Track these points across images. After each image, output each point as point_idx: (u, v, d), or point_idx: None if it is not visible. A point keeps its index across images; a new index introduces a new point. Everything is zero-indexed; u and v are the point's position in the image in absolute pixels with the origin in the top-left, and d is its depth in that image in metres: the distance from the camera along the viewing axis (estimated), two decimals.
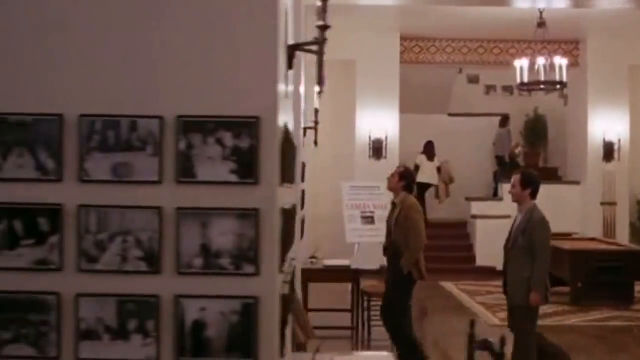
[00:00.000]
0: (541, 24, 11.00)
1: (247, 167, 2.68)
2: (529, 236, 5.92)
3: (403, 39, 13.63)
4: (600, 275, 10.33)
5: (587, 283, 10.44)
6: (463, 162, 15.53)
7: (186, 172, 2.68)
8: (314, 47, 3.32)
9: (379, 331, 8.00)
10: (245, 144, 2.68)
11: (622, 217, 13.84)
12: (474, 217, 14.29)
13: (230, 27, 2.68)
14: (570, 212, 13.83)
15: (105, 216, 2.68)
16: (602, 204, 13.67)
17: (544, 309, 10.15)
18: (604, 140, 13.65)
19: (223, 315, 2.68)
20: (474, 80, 16.84)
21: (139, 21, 2.68)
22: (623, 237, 13.57)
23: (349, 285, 9.08)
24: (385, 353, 4.10)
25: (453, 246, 14.44)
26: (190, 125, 2.67)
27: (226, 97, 2.68)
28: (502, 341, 3.30)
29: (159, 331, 2.68)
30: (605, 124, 13.59)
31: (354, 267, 8.48)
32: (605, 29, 12.98)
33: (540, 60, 10.75)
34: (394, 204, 7.14)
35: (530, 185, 6.03)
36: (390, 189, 7.14)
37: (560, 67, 10.71)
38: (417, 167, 14.82)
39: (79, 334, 2.68)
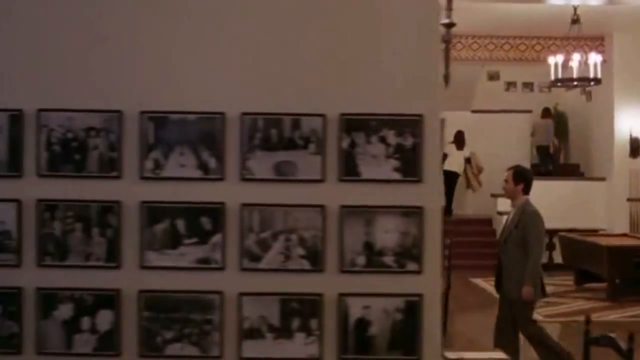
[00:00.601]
0: (575, 20, 10.99)
1: (410, 165, 2.68)
2: (522, 230, 5.99)
3: None
4: (637, 270, 10.35)
5: (624, 279, 10.46)
6: (487, 158, 15.53)
7: (349, 171, 2.67)
8: None
9: None
10: (409, 142, 2.67)
11: None
12: (500, 213, 14.28)
13: (392, 24, 2.67)
14: (596, 208, 13.86)
15: (268, 215, 2.67)
16: (629, 200, 13.68)
17: (580, 305, 10.28)
18: (631, 136, 13.66)
19: (386, 312, 2.68)
20: (494, 76, 16.84)
21: (301, 20, 2.67)
22: None
23: None
24: (501, 354, 4.09)
25: (479, 242, 14.46)
26: (353, 123, 2.67)
27: (389, 94, 2.67)
28: (631, 338, 3.29)
29: (322, 329, 2.67)
30: (632, 120, 13.60)
31: None
32: (632, 24, 12.99)
33: (575, 57, 10.74)
34: None
35: (522, 181, 6.13)
36: None
37: (595, 64, 10.71)
38: (445, 156, 14.84)
39: (241, 333, 2.68)
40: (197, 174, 2.67)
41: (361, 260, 2.68)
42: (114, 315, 2.67)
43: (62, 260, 2.67)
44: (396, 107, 2.66)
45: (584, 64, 10.83)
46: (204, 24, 2.67)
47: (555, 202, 13.04)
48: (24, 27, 2.67)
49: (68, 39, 2.67)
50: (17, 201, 2.66)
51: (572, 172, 15.36)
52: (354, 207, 2.67)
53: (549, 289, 11.72)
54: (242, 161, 2.67)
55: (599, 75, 10.86)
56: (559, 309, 10.18)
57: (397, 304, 2.68)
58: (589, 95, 15.36)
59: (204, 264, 2.67)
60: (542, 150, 15.54)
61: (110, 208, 2.66)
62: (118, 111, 2.66)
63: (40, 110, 2.66)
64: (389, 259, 2.68)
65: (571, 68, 10.98)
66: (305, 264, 2.68)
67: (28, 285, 2.67)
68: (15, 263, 2.67)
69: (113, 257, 2.67)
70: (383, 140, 2.67)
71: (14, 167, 2.67)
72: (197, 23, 2.67)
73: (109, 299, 2.67)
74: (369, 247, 2.68)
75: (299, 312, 2.67)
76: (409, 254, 2.68)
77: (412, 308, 2.67)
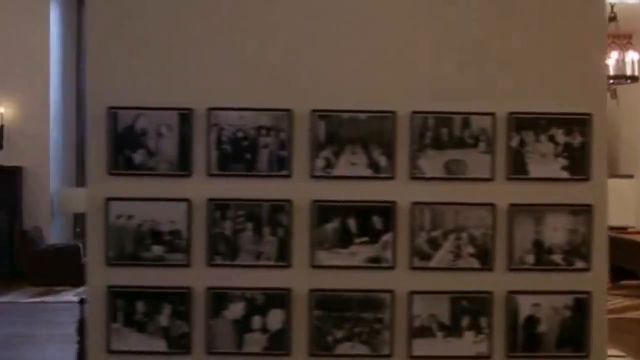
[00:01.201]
0: (612, 18, 10.99)
1: (578, 164, 2.69)
2: None
3: None
4: None
5: None
6: None
7: (518, 169, 2.69)
8: None
9: None
10: (577, 141, 2.68)
11: None
12: None
13: (561, 23, 2.68)
14: (625, 205, 13.87)
15: (439, 213, 2.68)
16: None
17: (620, 302, 10.30)
18: None
19: (555, 310, 2.69)
20: None
21: (471, 20, 2.68)
22: None
23: None
24: (615, 350, 4.11)
25: None
26: (523, 122, 2.68)
27: (558, 93, 2.68)
28: None
29: (491, 327, 2.68)
30: None
31: None
32: None
33: (613, 54, 10.76)
34: None
35: None
36: None
37: (632, 61, 10.74)
38: None
39: (411, 331, 2.68)
40: (368, 172, 2.68)
41: (530, 258, 2.69)
42: (285, 314, 2.67)
43: (233, 259, 2.67)
44: (565, 106, 2.67)
45: (621, 61, 10.85)
46: (375, 23, 2.68)
47: None
48: (194, 26, 2.67)
49: (238, 38, 2.67)
50: (187, 201, 2.67)
51: None
52: (523, 206, 2.68)
53: None
54: (412, 160, 2.68)
55: (637, 73, 10.88)
56: None
57: (565, 302, 2.69)
58: (613, 93, 15.38)
59: (375, 263, 2.68)
60: None
61: (281, 207, 2.67)
62: (288, 110, 2.66)
63: (211, 109, 2.66)
64: (557, 257, 2.69)
65: (607, 65, 11.02)
66: (475, 263, 2.68)
67: (198, 284, 2.67)
68: (185, 263, 2.67)
69: (284, 256, 2.67)
70: (552, 139, 2.68)
71: (184, 166, 2.67)
72: (368, 22, 2.67)
73: (279, 298, 2.67)
74: (538, 245, 2.69)
75: (469, 310, 2.68)
76: (577, 252, 2.69)
77: (581, 305, 2.69)
